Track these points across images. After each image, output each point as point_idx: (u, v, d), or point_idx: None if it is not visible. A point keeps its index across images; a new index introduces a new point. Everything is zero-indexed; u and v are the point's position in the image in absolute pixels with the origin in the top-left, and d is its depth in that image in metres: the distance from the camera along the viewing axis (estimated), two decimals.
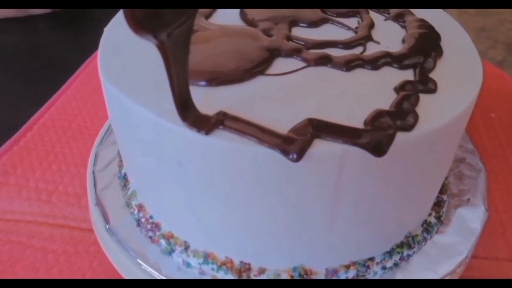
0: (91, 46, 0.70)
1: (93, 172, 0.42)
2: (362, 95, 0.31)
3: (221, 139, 0.28)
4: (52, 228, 0.44)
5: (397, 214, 0.34)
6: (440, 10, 0.41)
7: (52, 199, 0.47)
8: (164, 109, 0.29)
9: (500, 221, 0.46)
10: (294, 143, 0.27)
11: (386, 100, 0.31)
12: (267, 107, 0.30)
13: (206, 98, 0.30)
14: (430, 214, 0.39)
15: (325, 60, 0.33)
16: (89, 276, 0.40)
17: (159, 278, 0.34)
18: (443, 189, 0.41)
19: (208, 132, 0.28)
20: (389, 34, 0.37)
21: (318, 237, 0.32)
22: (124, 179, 0.41)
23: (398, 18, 0.39)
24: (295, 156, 0.27)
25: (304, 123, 0.28)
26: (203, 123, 0.28)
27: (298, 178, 0.28)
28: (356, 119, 0.29)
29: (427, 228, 0.38)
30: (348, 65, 0.33)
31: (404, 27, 0.38)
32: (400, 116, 0.29)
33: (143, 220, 0.38)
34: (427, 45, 0.35)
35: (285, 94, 0.31)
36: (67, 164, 0.50)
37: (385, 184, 0.30)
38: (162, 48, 0.25)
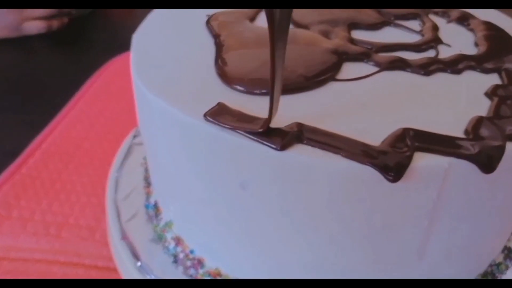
0: (90, 66, 0.65)
1: (115, 201, 0.37)
2: (451, 101, 0.27)
3: (300, 154, 0.23)
4: (65, 267, 0.37)
5: (488, 236, 0.29)
6: (496, 11, 0.38)
7: (62, 233, 0.40)
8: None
9: None
10: (393, 158, 0.22)
11: (480, 106, 0.26)
12: (346, 117, 0.25)
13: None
14: (509, 239, 0.34)
15: (400, 64, 0.29)
16: None
17: None
18: None
19: (284, 146, 0.23)
20: (457, 37, 0.33)
21: (402, 269, 0.27)
22: (155, 208, 0.35)
23: (462, 21, 0.35)
24: (393, 173, 0.22)
25: (399, 134, 0.23)
26: (277, 136, 0.23)
27: (393, 199, 0.23)
28: (453, 128, 0.24)
29: (508, 254, 0.33)
30: (427, 68, 0.29)
31: (471, 30, 0.34)
32: (504, 123, 0.25)
33: (181, 255, 0.32)
34: (505, 48, 0.31)
35: (365, 102, 0.26)
36: (76, 193, 0.44)
37: (486, 198, 0.26)
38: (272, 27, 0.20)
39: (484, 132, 0.24)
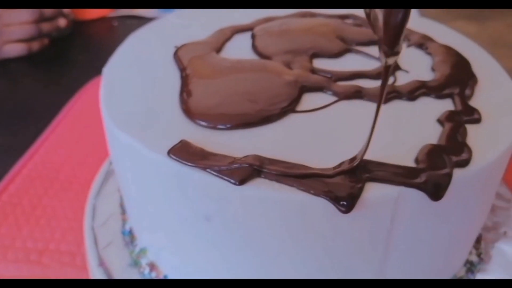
0: (70, 88, 0.66)
1: (92, 228, 0.38)
2: (404, 128, 0.28)
3: (258, 188, 0.24)
4: None
5: (446, 255, 0.31)
6: (460, 35, 0.39)
7: (43, 259, 0.41)
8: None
9: None
10: (344, 189, 0.23)
11: (431, 133, 0.28)
12: (304, 149, 0.26)
13: (234, 143, 0.26)
14: (471, 252, 0.35)
15: (358, 93, 0.30)
16: None
17: None
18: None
19: (242, 181, 0.24)
20: (415, 62, 0.34)
21: None
22: (130, 235, 0.36)
23: (421, 45, 0.36)
24: (345, 204, 0.23)
25: (350, 165, 0.25)
26: (236, 171, 0.24)
27: (348, 228, 0.25)
28: (405, 157, 0.26)
29: (470, 268, 0.34)
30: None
31: (429, 53, 0.35)
32: (453, 151, 0.26)
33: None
34: (460, 73, 0.33)
35: (322, 132, 0.27)
36: (57, 219, 0.45)
37: (439, 224, 0.27)
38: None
39: (433, 160, 0.25)
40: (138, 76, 0.33)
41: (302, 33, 0.36)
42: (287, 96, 0.29)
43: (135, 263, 0.35)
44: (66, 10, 0.79)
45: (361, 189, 0.24)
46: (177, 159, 0.25)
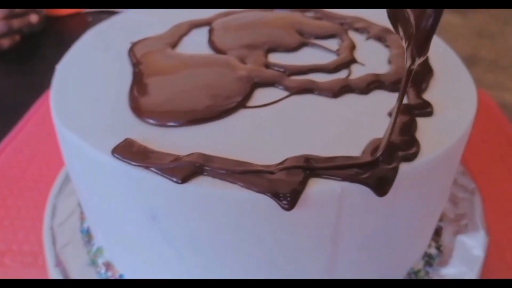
0: (41, 86, 0.65)
1: (51, 228, 0.37)
2: (354, 122, 0.28)
3: (200, 185, 0.24)
4: None
5: (399, 249, 0.30)
6: None
7: (5, 260, 0.41)
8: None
9: (497, 243, 0.44)
10: (286, 186, 0.23)
11: (381, 126, 0.27)
12: (251, 145, 0.26)
13: (182, 140, 0.26)
14: (430, 245, 0.35)
15: (309, 88, 0.30)
16: None
17: None
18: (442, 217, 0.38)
19: (185, 179, 0.24)
20: (372, 55, 0.34)
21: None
22: (88, 234, 0.36)
23: (380, 38, 0.36)
24: (287, 201, 0.23)
25: (295, 161, 0.24)
26: (179, 169, 0.24)
27: (292, 224, 0.25)
28: (352, 151, 0.26)
29: (429, 261, 0.34)
30: (335, 91, 0.30)
31: (387, 46, 0.35)
32: (401, 145, 0.26)
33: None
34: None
35: (270, 128, 0.27)
36: (21, 219, 0.44)
37: (388, 219, 0.27)
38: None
39: (380, 154, 0.25)
40: (91, 74, 0.32)
41: (260, 27, 0.36)
42: (238, 91, 0.29)
43: (92, 263, 0.34)
44: None
45: (303, 185, 0.23)
46: (121, 158, 0.25)
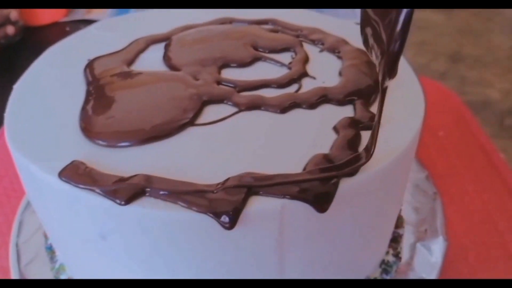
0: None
1: (17, 244, 0.38)
2: (299, 138, 0.28)
3: (143, 207, 0.24)
4: None
5: (350, 259, 0.31)
6: None
7: None
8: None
9: (460, 246, 0.44)
10: (226, 205, 0.24)
11: (326, 141, 0.28)
12: (197, 163, 0.27)
13: (130, 160, 0.27)
14: (387, 252, 0.36)
15: (257, 104, 0.30)
16: None
17: None
18: (398, 223, 0.38)
19: (128, 201, 0.24)
20: (325, 67, 0.35)
21: None
22: (51, 251, 0.36)
23: (333, 49, 0.37)
24: (227, 220, 0.24)
25: (236, 179, 0.25)
26: (123, 191, 0.25)
27: (236, 242, 0.25)
28: (294, 167, 0.26)
29: (386, 268, 0.35)
30: (283, 106, 0.30)
31: (340, 58, 0.36)
32: (341, 160, 0.26)
33: None
34: (366, 78, 0.33)
35: (217, 146, 0.28)
36: None
37: (332, 233, 0.28)
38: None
39: (319, 170, 0.26)
40: (47, 93, 0.33)
41: (215, 42, 0.36)
42: (188, 109, 0.30)
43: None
44: (14, 17, 0.77)
45: (243, 204, 0.24)
46: (67, 180, 0.25)
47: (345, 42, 0.37)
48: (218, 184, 0.25)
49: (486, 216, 0.46)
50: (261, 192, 0.25)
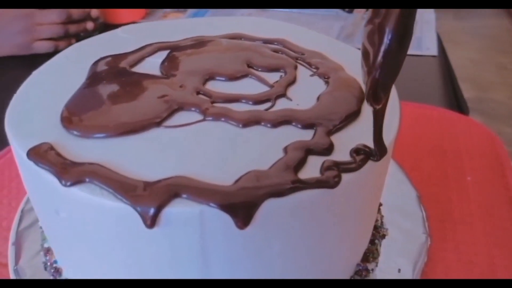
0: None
1: (22, 211, 0.43)
2: (246, 153, 0.30)
3: (82, 191, 0.27)
4: None
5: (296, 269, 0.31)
6: None
7: None
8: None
9: (439, 247, 0.43)
10: (150, 202, 0.26)
11: (270, 160, 0.29)
12: (144, 160, 0.29)
13: (94, 150, 0.30)
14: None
15: (222, 115, 0.32)
16: None
17: None
18: (368, 257, 0.38)
19: (71, 182, 0.27)
20: (307, 91, 0.35)
21: None
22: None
23: (324, 75, 0.37)
24: (149, 218, 0.26)
25: (168, 180, 0.27)
26: (69, 173, 0.28)
27: (159, 241, 0.27)
28: (226, 178, 0.27)
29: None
30: (245, 121, 0.32)
31: (327, 83, 0.36)
32: (274, 178, 0.27)
33: (48, 264, 0.37)
34: (340, 107, 0.33)
35: (167, 147, 0.30)
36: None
37: (257, 252, 0.28)
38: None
39: (247, 186, 0.27)
40: (55, 84, 0.37)
41: (212, 55, 0.39)
42: (159, 111, 0.32)
43: (41, 246, 0.39)
44: (94, 14, 0.86)
45: (164, 203, 0.26)
46: (31, 158, 0.29)
47: (340, 69, 0.38)
48: (151, 182, 0.27)
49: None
50: (184, 196, 0.26)
